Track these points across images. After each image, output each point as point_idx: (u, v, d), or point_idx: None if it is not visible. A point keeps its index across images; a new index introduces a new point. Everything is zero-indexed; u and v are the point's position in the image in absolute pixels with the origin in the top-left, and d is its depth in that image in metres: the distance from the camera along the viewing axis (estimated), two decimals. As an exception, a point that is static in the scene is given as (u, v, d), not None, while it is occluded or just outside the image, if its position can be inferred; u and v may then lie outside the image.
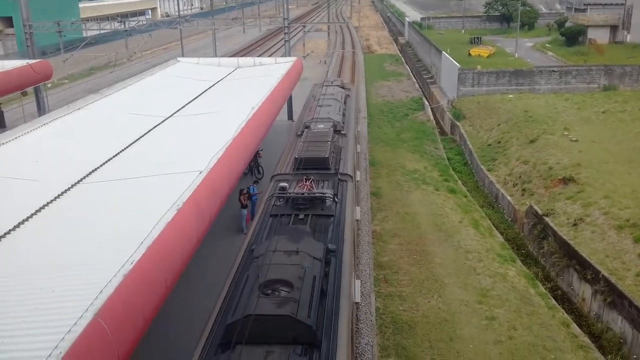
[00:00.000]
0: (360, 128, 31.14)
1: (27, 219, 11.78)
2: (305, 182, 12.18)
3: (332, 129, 16.47)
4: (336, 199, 11.58)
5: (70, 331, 7.45)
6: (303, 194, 11.49)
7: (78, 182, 14.02)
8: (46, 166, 15.09)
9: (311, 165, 13.23)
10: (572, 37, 60.77)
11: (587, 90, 41.80)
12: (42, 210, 12.29)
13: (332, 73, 54.48)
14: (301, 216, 10.89)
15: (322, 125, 16.61)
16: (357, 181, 17.08)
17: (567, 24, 64.48)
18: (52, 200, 12.79)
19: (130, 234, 10.52)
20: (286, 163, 14.42)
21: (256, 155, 23.77)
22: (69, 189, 13.55)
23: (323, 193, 11.46)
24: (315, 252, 8.99)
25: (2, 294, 8.86)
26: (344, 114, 19.53)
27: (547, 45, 62.87)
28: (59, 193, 13.21)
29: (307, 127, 16.62)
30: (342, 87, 24.62)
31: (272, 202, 11.72)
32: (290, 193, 11.56)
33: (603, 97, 38.75)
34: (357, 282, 10.36)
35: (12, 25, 62.20)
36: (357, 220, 13.76)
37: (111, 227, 11.30)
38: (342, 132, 17.21)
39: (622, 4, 61.07)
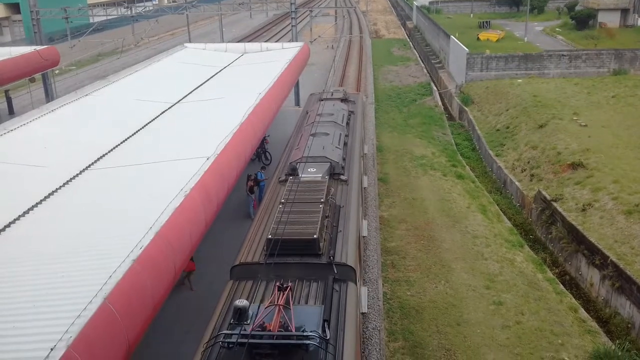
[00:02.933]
0: (368, 149, 25.73)
1: (36, 205, 11.87)
2: (280, 292, 7.61)
3: (327, 175, 12.26)
4: (326, 336, 7.02)
5: (80, 316, 7.54)
6: (271, 334, 6.81)
7: (86, 168, 14.10)
8: (54, 152, 15.17)
9: (292, 251, 8.93)
10: (582, 20, 60.03)
11: (597, 75, 41.35)
12: (50, 196, 12.38)
13: (339, 58, 54.22)
14: None
15: (314, 170, 12.25)
16: (364, 241, 12.93)
17: (577, 8, 63.69)
18: (60, 187, 12.88)
19: (138, 219, 10.59)
20: (257, 241, 9.77)
21: (263, 141, 23.82)
22: (77, 175, 13.64)
23: (303, 337, 6.83)
24: None
25: (13, 280, 8.95)
26: (345, 144, 14.94)
27: (557, 29, 62.16)
28: (68, 179, 13.30)
29: (294, 170, 12.31)
30: (345, 101, 19.55)
31: (218, 341, 7.00)
32: (247, 329, 6.89)
33: (613, 82, 38.32)
34: None
35: (19, 12, 62.23)
36: (362, 312, 9.92)
37: (119, 213, 11.38)
38: (342, 177, 12.59)
39: (634, -13, 60.18)
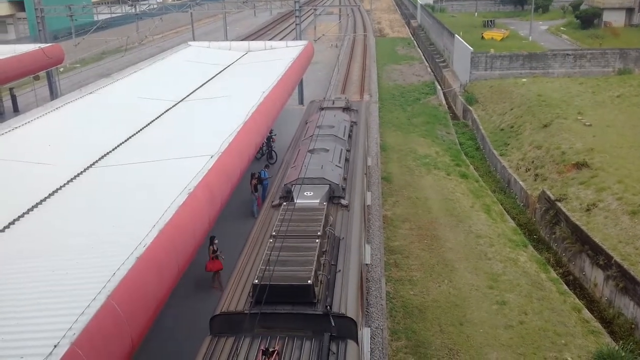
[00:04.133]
0: (372, 161, 23.84)
1: (40, 203, 11.89)
2: (267, 358, 6.67)
3: (326, 200, 11.14)
4: None
5: (84, 313, 7.55)
6: None
7: (90, 166, 14.12)
8: (59, 150, 15.20)
9: (282, 298, 7.73)
10: (587, 20, 59.81)
11: (602, 74, 41.19)
12: (55, 193, 12.41)
13: (344, 57, 54.19)
14: None
15: (310, 193, 11.08)
16: (367, 269, 11.93)
17: (582, 7, 63.44)
18: (64, 184, 12.91)
19: (142, 217, 10.60)
20: (241, 285, 8.45)
21: (270, 139, 23.83)
22: (81, 172, 13.66)
23: None
24: None
25: (16, 276, 8.98)
26: (347, 160, 13.77)
27: (562, 28, 61.94)
28: (72, 177, 13.32)
29: (289, 193, 11.35)
30: (347, 110, 18.32)
31: None
32: None
33: (618, 81, 38.18)
34: None
35: (23, 9, 62.34)
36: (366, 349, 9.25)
37: (123, 211, 11.40)
38: (342, 201, 11.41)
39: (639, -14, 59.91)
